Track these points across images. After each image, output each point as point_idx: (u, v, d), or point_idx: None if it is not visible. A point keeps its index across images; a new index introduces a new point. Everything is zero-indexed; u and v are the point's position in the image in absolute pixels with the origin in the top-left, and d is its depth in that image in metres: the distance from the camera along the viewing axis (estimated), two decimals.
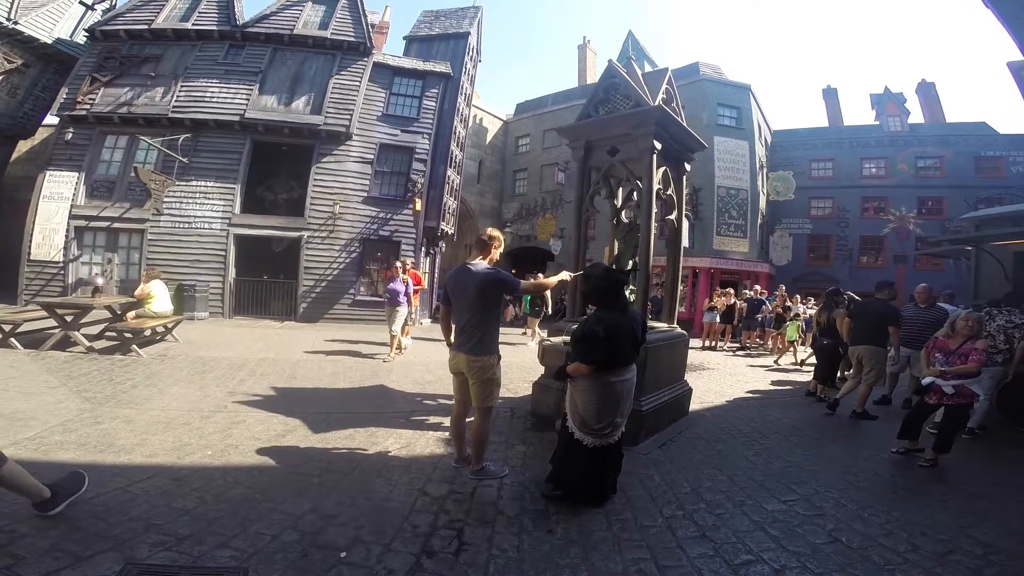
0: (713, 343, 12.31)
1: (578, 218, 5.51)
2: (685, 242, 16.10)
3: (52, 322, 6.77)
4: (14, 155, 15.91)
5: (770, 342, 11.95)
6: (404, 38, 17.26)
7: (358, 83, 13.68)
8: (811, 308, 11.23)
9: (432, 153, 14.45)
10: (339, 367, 6.94)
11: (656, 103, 4.92)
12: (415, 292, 9.00)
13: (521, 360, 6.88)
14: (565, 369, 3.07)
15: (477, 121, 23.32)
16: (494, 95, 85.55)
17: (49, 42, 14.32)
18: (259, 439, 3.78)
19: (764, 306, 12.17)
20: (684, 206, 5.67)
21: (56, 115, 12.90)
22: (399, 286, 7.92)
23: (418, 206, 13.80)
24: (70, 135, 12.64)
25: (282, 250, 13.88)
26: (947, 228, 17.71)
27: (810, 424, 5.44)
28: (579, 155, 5.45)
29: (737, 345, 12.69)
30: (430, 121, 14.52)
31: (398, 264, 8.55)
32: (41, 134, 15.97)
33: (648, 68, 21.51)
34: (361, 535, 2.48)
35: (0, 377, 4.56)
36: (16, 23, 13.41)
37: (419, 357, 8.23)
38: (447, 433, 4.09)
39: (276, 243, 13.77)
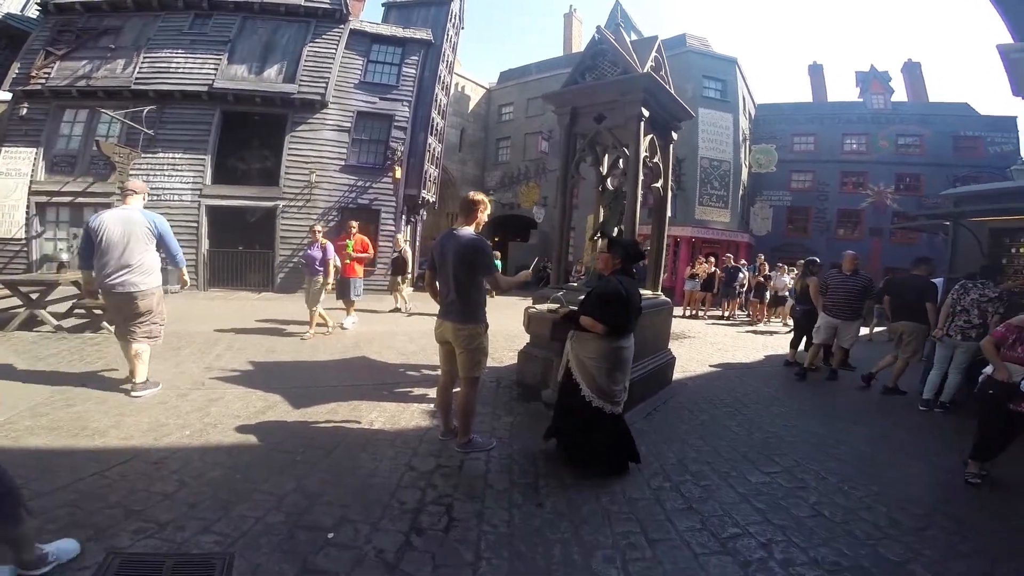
0: (695, 311, 12.49)
1: (563, 185, 5.42)
2: (668, 211, 16.30)
3: (16, 301, 6.41)
4: None
5: (751, 311, 12.21)
6: (383, 4, 16.66)
7: (334, 51, 13.17)
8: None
9: (412, 121, 14.05)
10: (319, 339, 6.77)
11: (645, 70, 4.78)
12: (359, 260, 7.82)
13: (506, 328, 6.80)
14: (576, 320, 2.98)
15: (459, 89, 22.83)
16: (478, 64, 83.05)
17: None
18: (238, 416, 3.67)
19: (740, 274, 12.35)
20: (671, 174, 5.59)
21: (8, 91, 12.27)
22: (315, 252, 6.84)
23: (398, 174, 13.47)
24: (24, 110, 12.21)
25: (257, 220, 13.44)
26: (924, 204, 18.07)
27: (789, 395, 5.55)
28: (565, 122, 5.31)
29: (719, 314, 12.88)
30: (410, 89, 14.07)
31: (317, 228, 7.23)
32: None
33: (636, 38, 21.22)
34: (348, 514, 2.43)
35: None
36: None
37: (401, 327, 8.12)
38: (432, 405, 4.05)
39: (250, 213, 13.33)
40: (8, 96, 12.35)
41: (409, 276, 10.07)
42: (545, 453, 3.33)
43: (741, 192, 19.45)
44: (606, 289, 2.91)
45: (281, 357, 5.70)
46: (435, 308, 3.34)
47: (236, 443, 3.24)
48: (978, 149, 19.41)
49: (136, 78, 12.22)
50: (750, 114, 21.37)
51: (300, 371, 5.14)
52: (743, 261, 14.37)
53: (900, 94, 21.74)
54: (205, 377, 4.63)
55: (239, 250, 12.74)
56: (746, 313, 12.82)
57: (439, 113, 16.14)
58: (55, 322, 6.26)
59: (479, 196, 3.27)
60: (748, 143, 20.49)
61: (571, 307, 3.45)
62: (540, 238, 21.91)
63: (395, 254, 9.80)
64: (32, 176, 11.94)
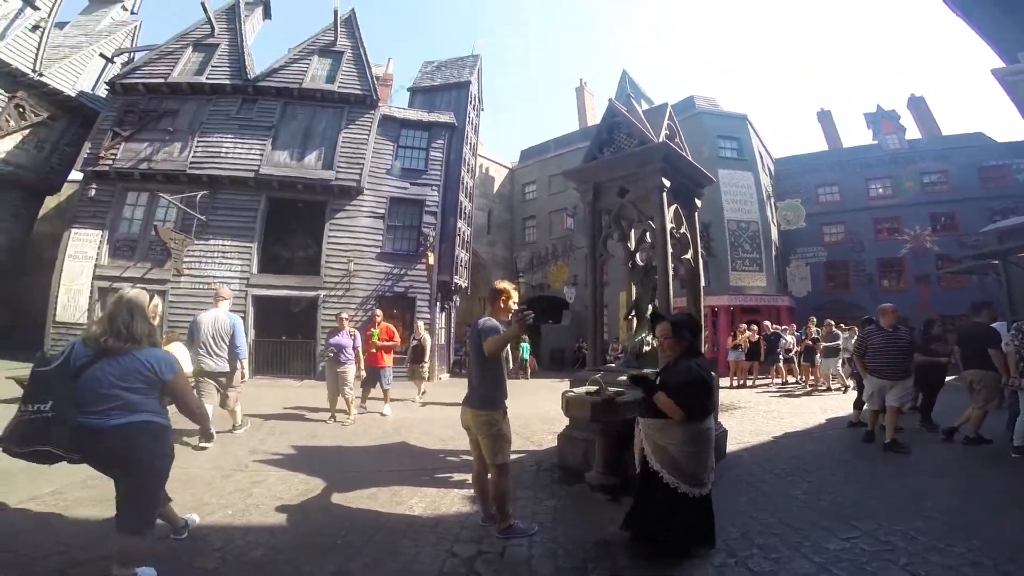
0: (742, 381, 11.92)
1: (592, 264, 5.41)
2: (701, 280, 16.06)
3: None
4: (41, 211, 16.35)
5: (804, 375, 11.57)
6: (408, 89, 17.91)
7: (366, 136, 14.04)
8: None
9: (442, 205, 14.67)
10: (359, 424, 6.79)
11: (660, 139, 4.94)
12: (386, 349, 7.69)
13: (543, 411, 6.68)
14: (654, 407, 2.87)
15: (484, 170, 23.68)
16: (498, 143, 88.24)
17: (72, 95, 14.84)
18: (280, 498, 3.66)
19: (782, 340, 11.86)
20: (699, 243, 5.54)
21: (80, 170, 13.16)
22: (344, 339, 6.84)
23: (431, 260, 13.88)
24: (93, 191, 12.86)
25: (300, 310, 14.02)
26: (965, 243, 17.43)
27: (858, 457, 5.14)
28: (588, 198, 5.39)
29: (768, 382, 12.26)
30: (438, 172, 14.79)
31: (344, 316, 7.38)
32: (67, 190, 16.39)
33: (646, 106, 22.13)
34: None
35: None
36: (41, 75, 13.94)
37: (438, 413, 8.04)
38: (472, 490, 3.92)
39: (294, 303, 13.91)
40: (80, 176, 13.34)
41: (427, 363, 9.81)
42: (598, 537, 3.14)
43: (774, 252, 19.10)
44: (691, 375, 2.84)
45: (323, 442, 5.73)
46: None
47: (278, 524, 3.22)
48: (1006, 178, 18.92)
49: (191, 162, 12.98)
50: (769, 169, 21.46)
51: (341, 456, 5.14)
52: (784, 326, 13.70)
53: (912, 131, 21.65)
54: (249, 460, 4.70)
55: (283, 339, 13.18)
56: (798, 379, 12.12)
57: (466, 196, 16.82)
58: None
59: (503, 285, 3.33)
60: (773, 200, 20.42)
61: (636, 375, 3.26)
62: (573, 318, 21.69)
63: (414, 342, 9.55)
64: (96, 260, 12.43)
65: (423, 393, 9.40)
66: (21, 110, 13.86)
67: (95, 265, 12.44)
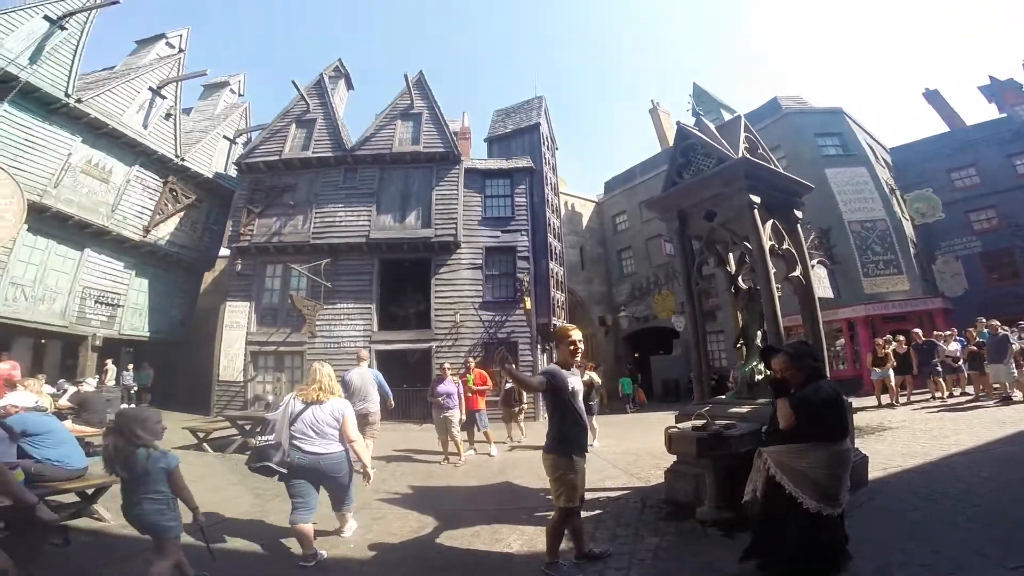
0: (893, 400, 10.22)
1: (688, 294, 5.18)
2: (828, 292, 14.63)
3: (234, 431, 8.21)
4: (202, 287, 18.62)
5: (975, 386, 9.70)
6: (484, 140, 18.67)
7: (455, 191, 14.88)
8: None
9: (532, 248, 15.03)
10: (470, 465, 7.10)
11: (740, 154, 4.67)
12: (480, 393, 8.23)
13: (652, 446, 6.40)
14: (784, 434, 2.86)
15: (569, 208, 23.69)
16: (580, 178, 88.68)
17: (210, 176, 16.85)
18: (396, 535, 3.99)
19: (937, 348, 10.10)
20: (807, 257, 5.07)
21: (227, 247, 14.93)
22: (449, 387, 7.41)
23: (528, 305, 14.18)
24: (239, 266, 14.52)
25: (416, 360, 15.05)
26: None
27: None
28: (674, 226, 5.22)
29: (928, 396, 10.38)
30: (524, 217, 15.24)
31: (447, 365, 8.05)
32: (219, 265, 18.40)
33: (725, 115, 20.89)
34: None
35: (197, 475, 5.45)
36: (183, 160, 15.74)
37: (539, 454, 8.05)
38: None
39: (410, 355, 14.99)
40: (226, 252, 15.04)
41: (522, 406, 9.51)
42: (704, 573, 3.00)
43: (913, 251, 16.61)
44: (826, 396, 2.82)
45: (436, 482, 6.11)
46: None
47: (391, 559, 3.53)
48: None
49: (312, 233, 14.25)
50: (886, 161, 19.09)
51: (452, 495, 5.45)
52: (946, 332, 11.40)
53: None
54: (372, 499, 5.12)
55: (403, 388, 14.13)
56: (965, 391, 10.20)
57: (555, 236, 17.01)
58: None
59: (560, 329, 3.42)
60: (898, 193, 18.03)
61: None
62: (683, 348, 20.30)
63: (508, 385, 9.16)
64: (247, 328, 14.04)
65: (520, 438, 9.13)
66: (174, 193, 15.81)
67: (247, 332, 14.19)
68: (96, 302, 14.02)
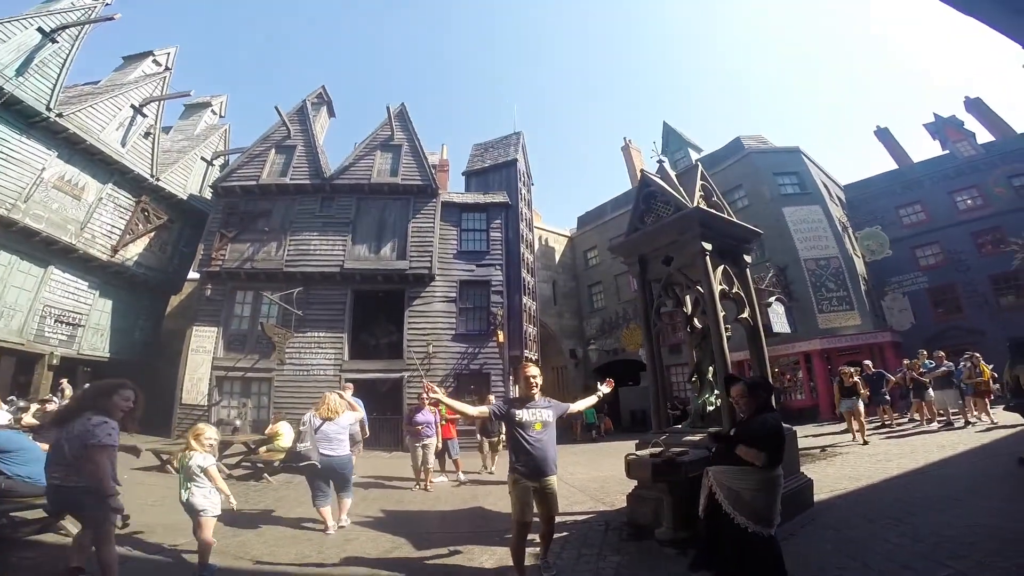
0: (862, 432, 9.31)
1: (647, 332, 5.50)
2: (786, 328, 15.34)
3: None
4: (168, 309, 18.16)
5: (917, 414, 10.38)
6: (463, 174, 18.98)
7: (432, 224, 15.13)
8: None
9: (506, 283, 15.30)
10: (441, 492, 7.19)
11: (695, 203, 5.04)
12: (452, 422, 8.43)
13: (618, 473, 6.62)
14: (727, 456, 3.14)
15: (543, 242, 24.18)
16: (554, 213, 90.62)
17: (184, 197, 16.56)
18: (369, 555, 4.10)
19: (886, 379, 10.77)
20: (755, 300, 5.46)
21: (196, 271, 14.74)
22: (428, 416, 7.51)
23: (501, 338, 14.42)
24: (208, 291, 14.38)
25: (386, 390, 14.95)
26: None
27: (976, 494, 4.65)
28: (636, 270, 5.58)
29: (879, 424, 10.96)
30: (499, 252, 15.57)
31: (425, 396, 7.57)
32: (186, 288, 18.40)
33: (692, 154, 22.04)
34: None
35: (158, 496, 5.41)
36: (158, 180, 15.46)
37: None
38: (538, 548, 4.06)
39: (381, 384, 14.91)
40: (196, 276, 14.77)
41: (500, 436, 8.83)
42: None
43: (864, 287, 17.67)
44: (770, 427, 3.10)
45: (408, 507, 6.20)
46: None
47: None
48: None
49: (286, 260, 14.26)
50: (840, 199, 20.22)
51: (424, 518, 5.55)
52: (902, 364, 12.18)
53: (981, 134, 19.63)
54: (346, 521, 5.18)
55: (373, 416, 13.98)
56: (908, 418, 10.87)
57: (528, 271, 17.35)
58: (228, 471, 7.57)
59: (523, 364, 4.01)
60: (850, 231, 19.12)
61: (717, 433, 3.58)
62: (650, 383, 20.90)
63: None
64: (214, 353, 13.85)
65: (493, 469, 8.81)
66: (146, 214, 15.49)
67: (213, 357, 14.00)
68: (56, 321, 13.56)
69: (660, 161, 6.02)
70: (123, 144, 14.66)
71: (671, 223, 5.07)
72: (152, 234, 16.02)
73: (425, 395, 3.94)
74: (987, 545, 3.26)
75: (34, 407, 7.77)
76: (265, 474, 8.03)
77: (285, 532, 4.77)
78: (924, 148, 39.85)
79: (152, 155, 15.64)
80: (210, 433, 4.12)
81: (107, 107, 14.21)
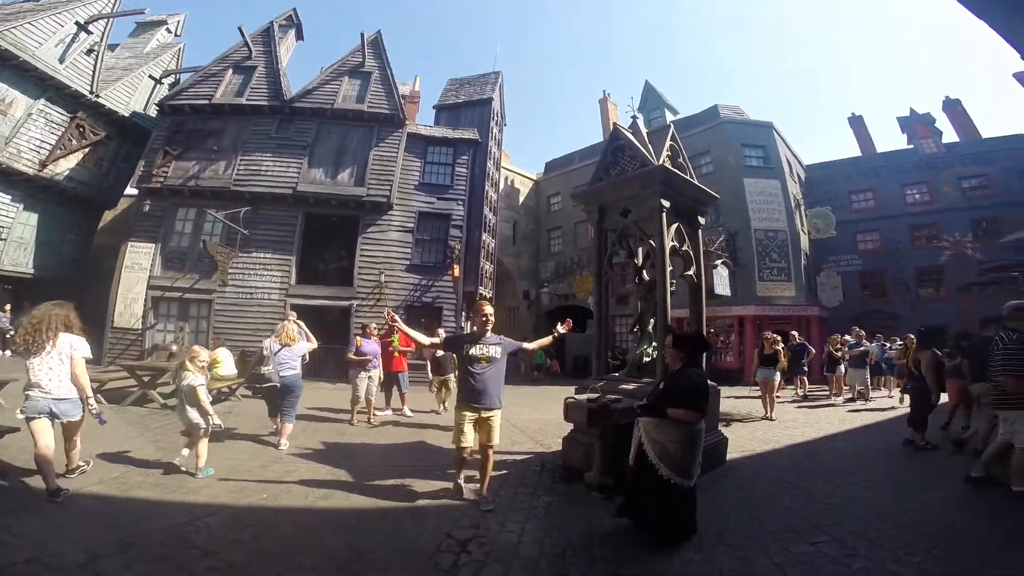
0: (770, 408, 10.10)
1: (598, 279, 5.68)
2: (727, 291, 16.02)
3: (132, 381, 7.81)
4: (100, 224, 17.65)
5: (830, 385, 11.41)
6: (434, 107, 18.51)
7: (395, 154, 14.73)
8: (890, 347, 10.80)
9: (467, 219, 15.20)
10: (384, 426, 7.27)
11: (660, 161, 5.16)
12: (403, 354, 8.22)
13: (557, 417, 6.97)
14: (662, 411, 3.25)
15: (509, 183, 24.08)
16: (524, 156, 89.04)
17: (127, 115, 15.98)
18: (309, 487, 4.16)
19: (807, 350, 11.66)
20: (703, 260, 5.68)
21: (135, 187, 14.20)
22: (374, 347, 7.55)
23: (456, 272, 14.42)
24: (147, 207, 13.91)
25: (334, 318, 14.75)
26: (1008, 247, 16.50)
27: (862, 468, 5.22)
28: (594, 218, 5.66)
29: (792, 393, 11.98)
30: (463, 188, 15.35)
31: (373, 325, 8.05)
32: (122, 204, 17.61)
33: (668, 115, 22.04)
34: (389, 569, 2.76)
35: (90, 427, 5.18)
36: (98, 96, 14.95)
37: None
38: (478, 484, 4.28)
39: (328, 312, 14.63)
40: (135, 192, 14.38)
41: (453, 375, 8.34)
42: (583, 529, 3.48)
43: (804, 262, 18.69)
44: (693, 383, 3.25)
45: (350, 439, 6.26)
46: None
47: (305, 507, 3.73)
48: None
49: (234, 179, 13.83)
50: (799, 177, 20.95)
51: (365, 452, 5.65)
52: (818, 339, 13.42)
53: (949, 134, 20.67)
54: (284, 453, 5.27)
55: (319, 345, 13.84)
56: (829, 390, 11.90)
57: (491, 209, 17.28)
58: (162, 400, 7.43)
59: (479, 302, 4.19)
60: (802, 208, 19.96)
61: (646, 405, 3.60)
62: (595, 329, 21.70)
63: (439, 353, 8.29)
64: (150, 271, 13.44)
65: (443, 411, 8.47)
66: (81, 130, 15.02)
67: (149, 276, 13.49)
68: None
69: (634, 117, 6.03)
70: (61, 60, 14.00)
71: (634, 176, 5.18)
72: (87, 150, 15.38)
73: (386, 323, 4.10)
74: (860, 515, 3.71)
75: None
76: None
77: (222, 464, 4.64)
78: (891, 140, 41.26)
79: (94, 71, 14.92)
80: (204, 355, 4.71)
81: (47, 24, 13.51)
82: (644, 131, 5.80)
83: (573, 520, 3.62)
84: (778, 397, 11.09)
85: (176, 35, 19.21)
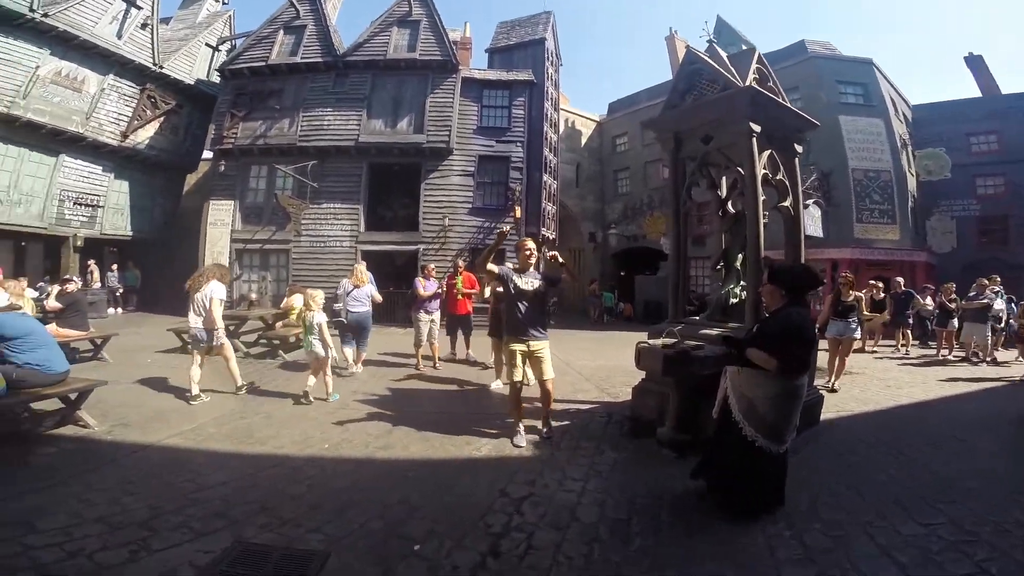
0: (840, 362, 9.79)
1: (676, 215, 5.08)
2: (818, 231, 14.59)
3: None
4: (185, 188, 19.08)
5: (939, 341, 9.95)
6: (486, 51, 17.91)
7: (451, 99, 14.53)
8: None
9: (526, 160, 14.84)
10: (447, 369, 7.25)
11: (748, 83, 4.43)
12: (468, 296, 7.98)
13: (627, 363, 6.61)
14: (741, 355, 2.80)
15: (569, 125, 23.09)
16: (584, 98, 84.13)
17: (191, 83, 16.68)
18: (370, 435, 4.18)
19: (914, 299, 10.23)
20: (800, 191, 4.93)
21: (210, 150, 15.00)
22: (434, 288, 7.51)
23: (518, 213, 14.19)
24: (223, 167, 14.67)
25: (402, 262, 15.08)
26: None
27: (981, 436, 4.48)
28: (669, 147, 5.05)
29: (893, 345, 10.66)
30: (521, 130, 14.93)
31: (432, 266, 8.10)
32: (202, 168, 18.71)
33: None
34: (437, 528, 2.62)
35: (180, 378, 5.55)
36: (162, 68, 15.61)
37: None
38: (537, 436, 4.14)
39: (397, 257, 15.02)
40: (210, 154, 15.26)
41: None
42: (651, 491, 3.16)
43: (911, 204, 16.65)
44: (788, 324, 2.73)
45: (415, 385, 6.30)
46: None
47: (363, 457, 3.72)
48: None
49: (299, 135, 14.23)
50: (905, 116, 18.51)
51: (428, 398, 5.67)
52: (926, 286, 11.79)
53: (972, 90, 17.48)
54: (350, 400, 5.34)
55: (389, 290, 14.19)
56: (930, 344, 10.51)
57: (551, 150, 16.72)
58: (245, 349, 7.86)
59: (522, 239, 4.25)
60: (910, 148, 17.67)
61: (728, 336, 3.20)
62: (669, 270, 20.68)
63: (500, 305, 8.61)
64: (232, 226, 14.28)
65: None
66: (153, 100, 15.84)
67: (231, 231, 14.36)
68: (75, 203, 14.08)
69: (711, 41, 5.14)
70: (119, 36, 14.42)
71: (717, 100, 4.51)
72: (161, 119, 16.23)
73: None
74: (982, 492, 3.14)
75: (55, 289, 7.56)
76: (280, 351, 7.86)
77: (292, 413, 4.80)
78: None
79: (152, 44, 15.42)
80: (320, 297, 5.44)
81: (96, 3, 13.73)
82: (724, 54, 4.95)
83: (640, 480, 3.31)
84: (874, 351, 10.15)
85: (224, 3, 19.44)
